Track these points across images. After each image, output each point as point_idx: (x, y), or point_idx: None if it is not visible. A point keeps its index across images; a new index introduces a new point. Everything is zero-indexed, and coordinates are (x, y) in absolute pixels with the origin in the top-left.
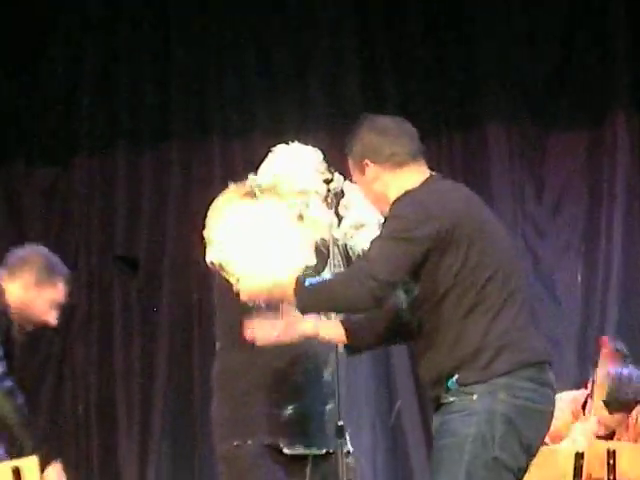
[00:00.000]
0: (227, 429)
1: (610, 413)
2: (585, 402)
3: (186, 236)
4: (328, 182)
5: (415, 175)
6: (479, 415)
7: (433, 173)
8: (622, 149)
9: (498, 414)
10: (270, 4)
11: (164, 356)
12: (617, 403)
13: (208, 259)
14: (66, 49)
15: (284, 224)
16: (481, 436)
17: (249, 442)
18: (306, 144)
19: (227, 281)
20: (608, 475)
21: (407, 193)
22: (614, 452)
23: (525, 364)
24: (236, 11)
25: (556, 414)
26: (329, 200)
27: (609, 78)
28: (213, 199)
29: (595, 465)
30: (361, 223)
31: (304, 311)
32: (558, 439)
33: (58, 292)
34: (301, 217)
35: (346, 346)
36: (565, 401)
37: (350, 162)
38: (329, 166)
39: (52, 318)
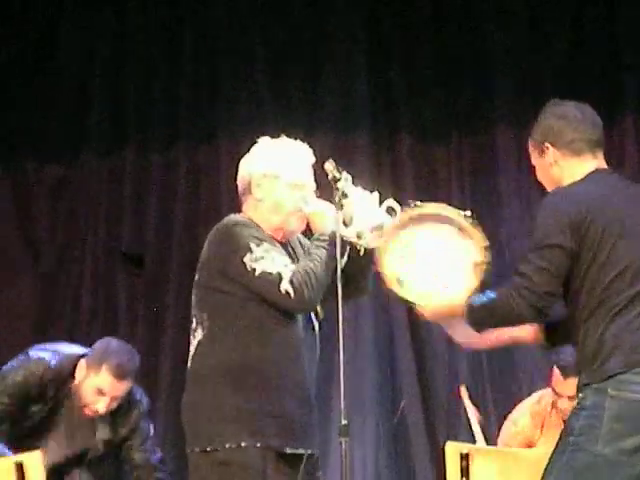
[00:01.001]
0: (224, 428)
1: (565, 379)
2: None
3: (193, 236)
4: (336, 181)
5: (587, 166)
6: (588, 410)
7: (600, 167)
8: (630, 154)
9: (606, 409)
10: (280, 10)
11: (169, 354)
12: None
13: (386, 270)
14: (76, 49)
15: (452, 247)
16: (587, 429)
17: (257, 445)
18: (315, 146)
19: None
20: None
21: (551, 193)
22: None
23: (634, 365)
24: (247, 15)
25: (518, 420)
26: (337, 199)
27: (617, 84)
28: (219, 200)
29: None
30: (379, 223)
31: (475, 328)
32: (525, 446)
33: (101, 379)
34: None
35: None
36: (527, 403)
37: (530, 143)
38: (337, 165)
39: (99, 408)
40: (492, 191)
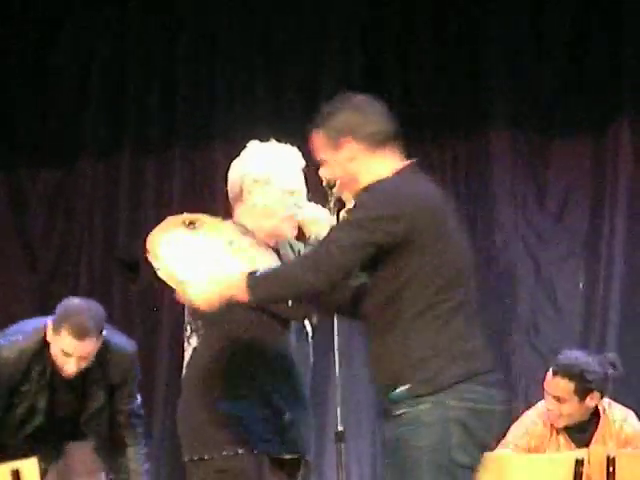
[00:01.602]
0: (221, 436)
1: (553, 376)
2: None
3: None
4: (331, 187)
5: (390, 160)
6: (433, 426)
7: (408, 162)
8: (625, 157)
9: (451, 421)
10: (278, 13)
11: (165, 358)
12: (560, 367)
13: (156, 268)
14: (73, 53)
15: (221, 254)
16: (439, 446)
17: (254, 451)
18: (310, 151)
19: None
20: None
21: (380, 182)
22: (614, 459)
23: (472, 375)
24: (244, 18)
25: (529, 426)
26: (331, 205)
27: (614, 86)
28: (215, 204)
29: (595, 472)
30: None
31: (258, 301)
32: (534, 452)
33: (63, 341)
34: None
35: None
36: (537, 411)
37: (321, 138)
38: None
39: (68, 370)
40: (487, 195)
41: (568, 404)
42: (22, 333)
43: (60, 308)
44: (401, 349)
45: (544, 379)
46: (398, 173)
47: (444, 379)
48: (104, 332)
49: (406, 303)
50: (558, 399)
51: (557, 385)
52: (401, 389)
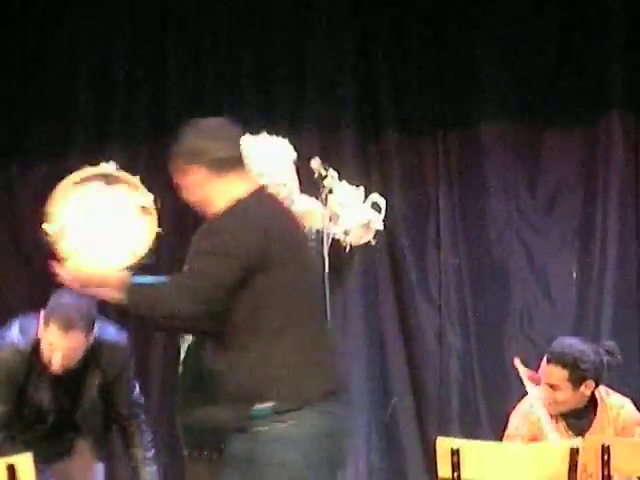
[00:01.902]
0: (220, 430)
1: (547, 363)
2: None
3: (182, 237)
4: (323, 178)
5: (242, 182)
6: (298, 442)
7: (257, 185)
8: (616, 147)
9: (315, 437)
10: (264, 9)
11: (158, 358)
12: (554, 354)
13: (47, 229)
14: (63, 51)
15: (129, 213)
16: (302, 462)
17: None
18: (301, 145)
19: None
20: (602, 470)
21: (233, 206)
22: (608, 447)
23: (330, 392)
24: (231, 17)
25: (524, 413)
26: (323, 196)
27: (604, 77)
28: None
29: (590, 460)
30: (367, 219)
31: (125, 308)
32: (535, 439)
33: (50, 334)
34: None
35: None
36: (531, 400)
37: (174, 164)
38: (323, 163)
39: (54, 364)
40: (479, 187)
41: (562, 392)
42: (19, 333)
43: (50, 301)
44: (262, 366)
45: (539, 367)
46: (250, 196)
47: (307, 396)
48: (96, 328)
49: (263, 321)
50: (552, 386)
51: (551, 373)
52: (264, 405)
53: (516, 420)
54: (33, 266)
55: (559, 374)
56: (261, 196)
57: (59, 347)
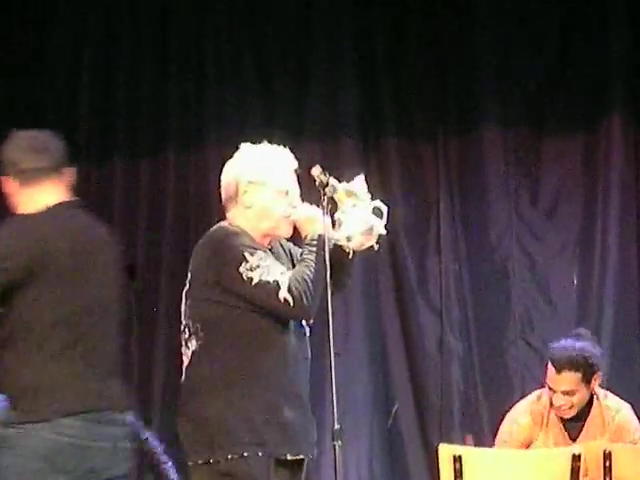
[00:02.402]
0: (226, 439)
1: (558, 372)
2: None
3: (183, 242)
4: (324, 186)
5: (52, 193)
6: (20, 449)
7: (68, 199)
8: (617, 153)
9: (40, 452)
10: (268, 16)
11: (162, 359)
12: (564, 361)
13: None
14: (63, 58)
15: None
16: (17, 470)
17: (260, 454)
18: (301, 151)
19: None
20: (604, 476)
21: (16, 216)
22: (610, 453)
23: (76, 412)
24: (235, 18)
25: (515, 420)
26: (324, 204)
27: (605, 83)
28: (208, 206)
29: (592, 466)
30: (369, 226)
31: None
32: (525, 445)
33: None
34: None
35: None
36: (525, 403)
37: None
38: (324, 171)
39: None
40: (480, 192)
41: (579, 394)
42: None
43: None
44: (14, 378)
45: (545, 374)
46: (47, 208)
47: (46, 412)
48: None
49: (21, 334)
50: (568, 393)
51: (565, 380)
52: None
53: (505, 427)
54: None
55: (573, 378)
56: (62, 208)
57: None
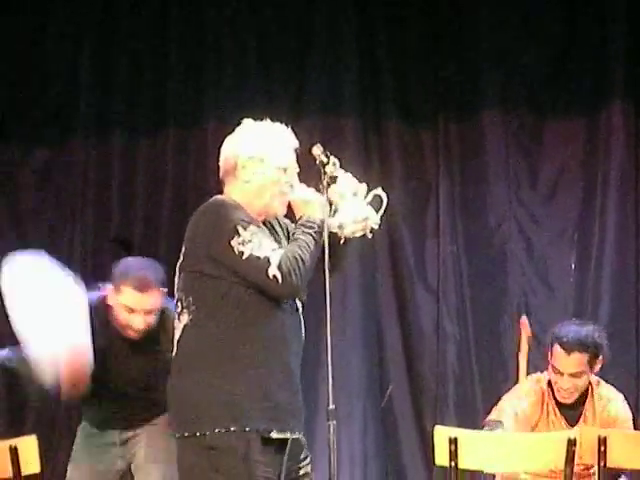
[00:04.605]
0: (213, 413)
1: (568, 354)
2: (550, 383)
3: (181, 218)
4: (324, 165)
5: None
6: None
7: None
8: (617, 138)
9: None
10: None
11: None
12: (573, 343)
13: None
14: (64, 33)
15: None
16: None
17: (246, 429)
18: (302, 130)
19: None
20: (599, 461)
21: None
22: (605, 439)
23: None
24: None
25: (525, 396)
26: (323, 183)
27: (606, 68)
28: (207, 184)
29: (586, 451)
30: (363, 217)
31: None
32: (529, 425)
33: (126, 297)
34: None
35: None
36: (530, 383)
37: None
38: (325, 150)
39: (135, 324)
40: (479, 176)
41: (584, 377)
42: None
43: (118, 268)
44: None
45: (544, 359)
46: None
47: None
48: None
49: None
50: (575, 375)
51: (574, 361)
52: None
53: (512, 396)
54: (30, 248)
55: (581, 361)
56: None
57: (137, 308)
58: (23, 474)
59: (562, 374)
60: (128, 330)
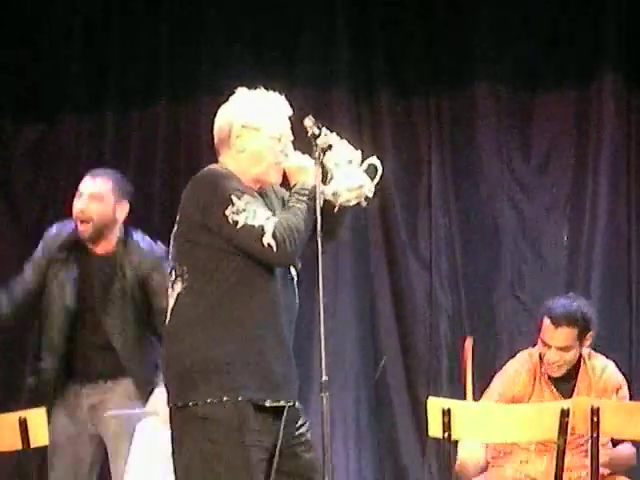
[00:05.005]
0: (206, 383)
1: (556, 327)
2: (540, 357)
3: (173, 191)
4: (316, 137)
5: None
6: None
7: None
8: (608, 111)
9: None
10: None
11: None
12: (561, 316)
13: None
14: (57, 5)
15: None
16: None
17: (239, 398)
18: (294, 101)
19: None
20: (592, 432)
21: None
22: (598, 409)
23: None
24: None
25: (513, 375)
26: (316, 154)
27: (597, 42)
28: (200, 156)
29: (579, 422)
30: (358, 185)
31: None
32: (519, 401)
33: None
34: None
35: None
36: (520, 360)
37: None
38: (317, 121)
39: (78, 205)
40: (471, 148)
41: (573, 351)
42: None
43: None
44: None
45: (537, 332)
46: None
47: None
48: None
49: None
50: (562, 349)
51: (562, 335)
52: None
53: (500, 380)
54: (22, 222)
55: (570, 334)
56: None
57: (84, 191)
58: (32, 446)
59: (550, 347)
60: (78, 225)
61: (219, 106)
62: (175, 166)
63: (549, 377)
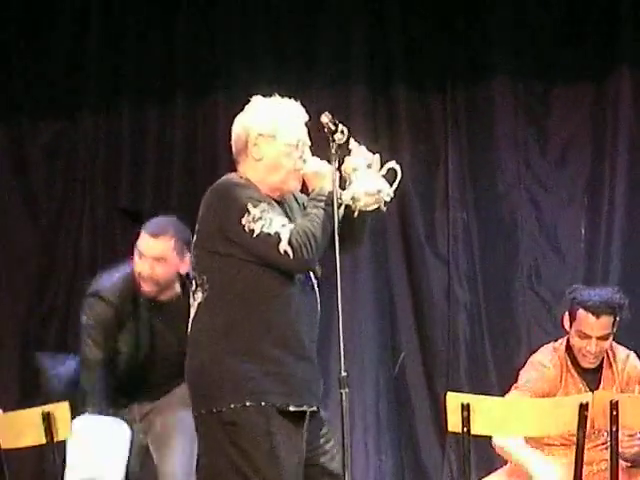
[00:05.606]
0: (228, 389)
1: (597, 317)
2: (568, 346)
3: (191, 190)
4: (333, 133)
5: None
6: None
7: None
8: (626, 103)
9: None
10: None
11: None
12: (601, 306)
13: None
14: (72, 3)
15: None
16: None
17: (262, 403)
18: (311, 99)
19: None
20: (611, 426)
21: None
22: (617, 403)
23: None
24: None
25: (543, 371)
26: (333, 152)
27: (614, 32)
28: (216, 154)
29: (598, 416)
30: (376, 190)
31: None
32: (548, 394)
33: (139, 241)
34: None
35: None
36: (546, 354)
37: None
38: (334, 117)
39: (141, 268)
40: (489, 142)
41: (610, 338)
42: (114, 275)
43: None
44: None
45: (566, 323)
46: None
47: None
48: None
49: None
50: (603, 337)
51: (604, 324)
52: None
53: (529, 375)
54: (41, 219)
55: (609, 323)
56: None
57: (146, 253)
58: (56, 440)
59: (590, 337)
60: (142, 283)
61: (235, 102)
62: (192, 165)
63: (579, 368)
